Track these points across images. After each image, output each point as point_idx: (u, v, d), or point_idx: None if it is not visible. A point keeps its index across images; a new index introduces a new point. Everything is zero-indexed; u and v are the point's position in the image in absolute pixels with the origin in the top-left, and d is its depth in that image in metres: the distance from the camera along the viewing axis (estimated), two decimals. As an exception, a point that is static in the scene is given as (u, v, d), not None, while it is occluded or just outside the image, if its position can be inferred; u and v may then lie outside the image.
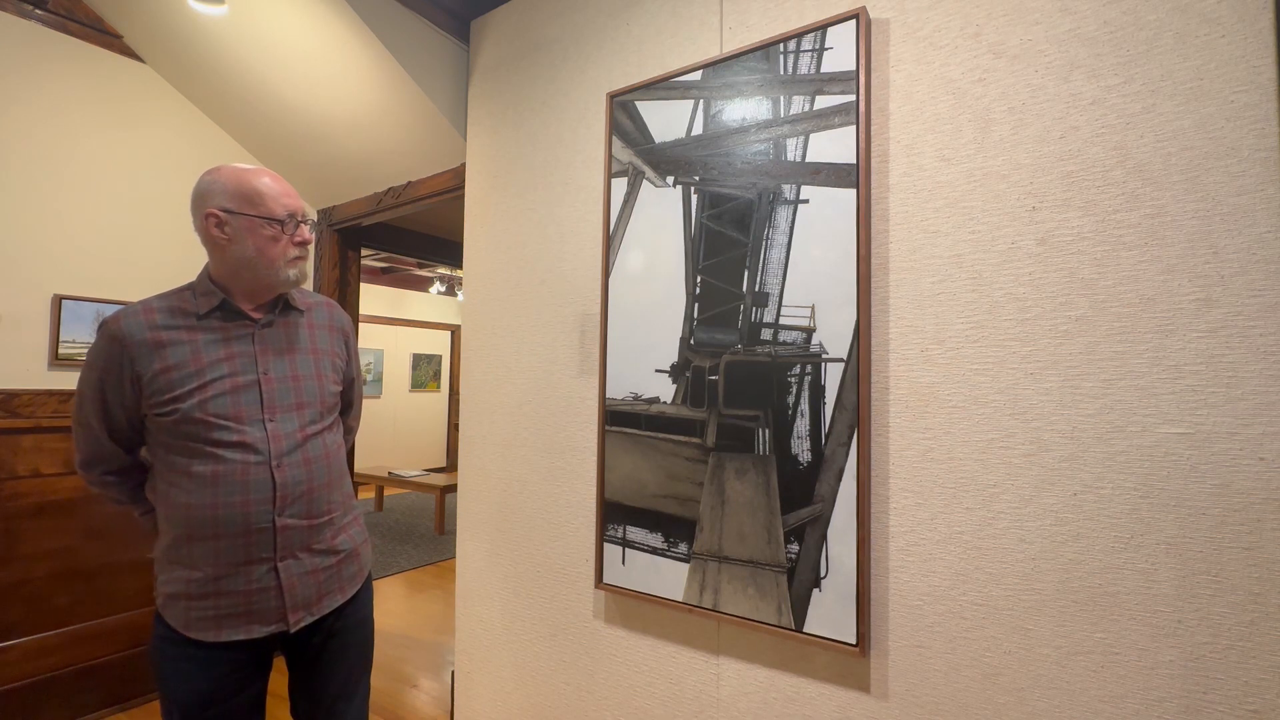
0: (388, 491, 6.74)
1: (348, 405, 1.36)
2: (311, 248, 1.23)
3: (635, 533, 1.42)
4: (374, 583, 3.75)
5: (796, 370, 1.20)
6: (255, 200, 1.10)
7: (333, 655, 1.19)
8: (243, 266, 1.11)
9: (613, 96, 1.53)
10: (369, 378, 7.40)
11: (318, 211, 2.75)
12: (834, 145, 1.18)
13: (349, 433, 1.40)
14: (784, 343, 1.22)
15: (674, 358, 1.38)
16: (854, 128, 1.16)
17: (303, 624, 1.12)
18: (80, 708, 2.08)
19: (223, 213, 1.08)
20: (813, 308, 1.19)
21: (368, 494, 6.70)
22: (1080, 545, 0.96)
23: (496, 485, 1.80)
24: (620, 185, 1.50)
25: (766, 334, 1.25)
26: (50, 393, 2.05)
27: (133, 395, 1.07)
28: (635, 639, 1.47)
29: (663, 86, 1.44)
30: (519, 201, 1.79)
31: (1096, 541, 0.94)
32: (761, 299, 1.26)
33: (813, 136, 1.21)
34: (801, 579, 1.18)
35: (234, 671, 1.09)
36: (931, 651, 1.07)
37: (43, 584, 2.02)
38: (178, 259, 2.36)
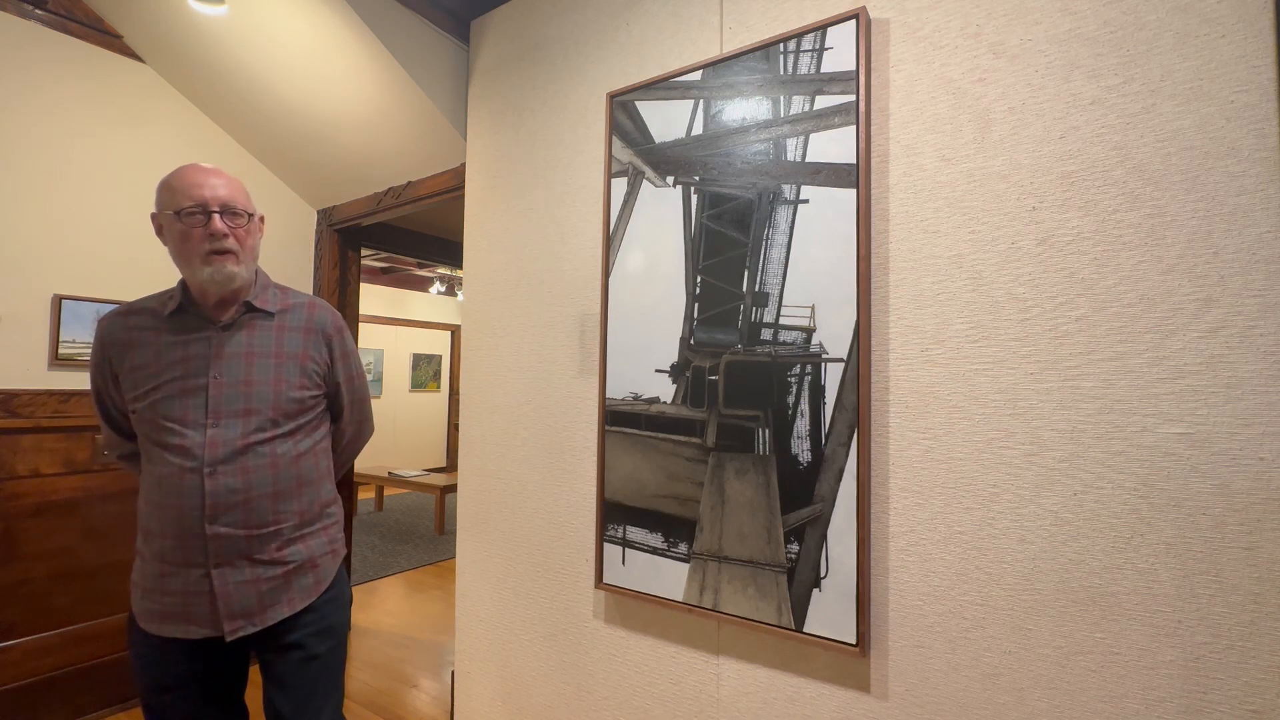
0: (388, 491, 6.74)
1: (338, 411, 1.30)
2: (243, 240, 1.11)
3: (635, 533, 1.42)
4: (373, 583, 3.75)
5: (796, 370, 1.20)
6: (167, 195, 1.08)
7: (293, 668, 1.14)
8: (181, 269, 1.11)
9: (613, 96, 1.53)
10: (369, 377, 7.40)
11: (318, 212, 2.75)
12: (834, 145, 1.18)
13: (344, 439, 1.34)
14: (784, 343, 1.22)
15: (674, 358, 1.38)
16: (854, 128, 1.16)
17: (242, 633, 1.08)
18: (80, 708, 2.08)
19: (156, 215, 1.12)
20: (813, 308, 1.19)
21: (368, 494, 6.71)
22: (1080, 545, 0.96)
23: (496, 485, 1.80)
24: (620, 185, 1.50)
25: (766, 334, 1.25)
26: (50, 393, 2.05)
27: (116, 390, 1.15)
28: (635, 639, 1.47)
29: (663, 86, 1.44)
30: (519, 201, 1.79)
31: (1096, 541, 0.94)
32: (761, 299, 1.26)
33: (813, 136, 1.21)
34: (801, 579, 1.18)
35: (186, 664, 1.09)
36: (931, 651, 1.07)
37: (43, 584, 2.02)
38: (178, 259, 2.35)
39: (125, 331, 1.13)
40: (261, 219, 1.20)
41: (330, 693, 1.19)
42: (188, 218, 1.07)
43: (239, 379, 1.11)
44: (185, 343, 1.11)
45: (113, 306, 2.17)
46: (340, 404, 1.29)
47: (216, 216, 1.08)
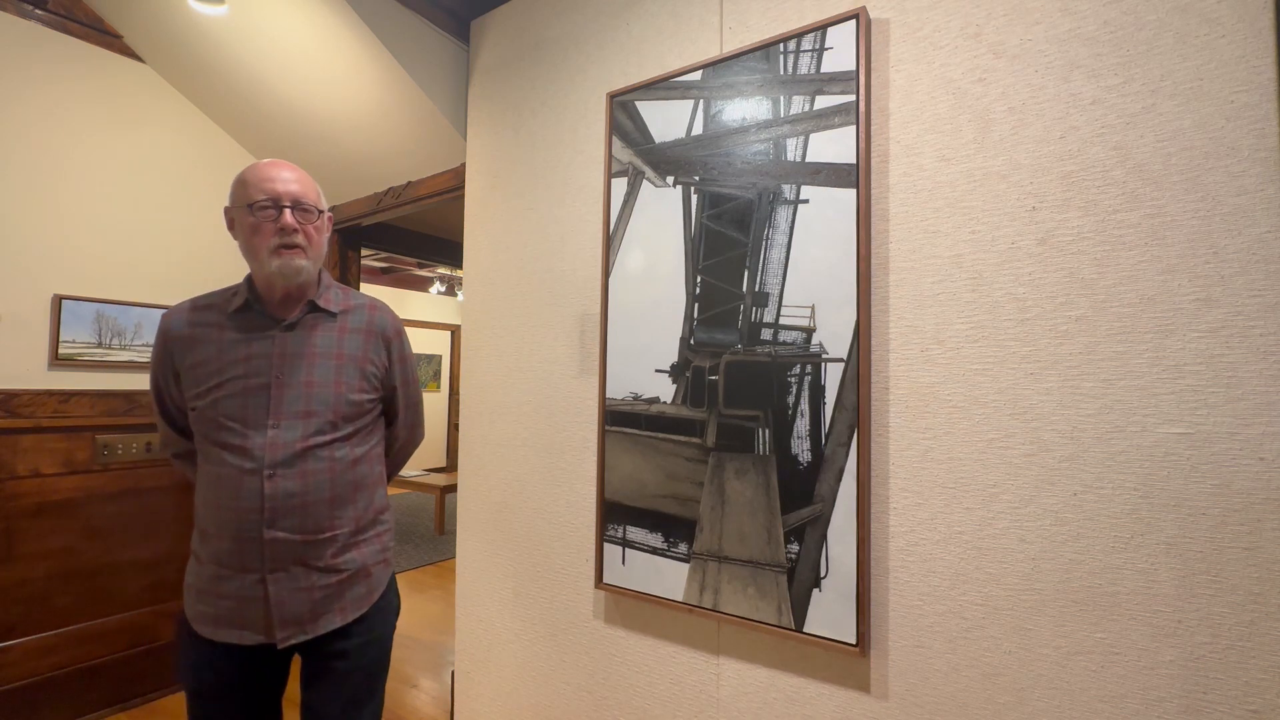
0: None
1: (392, 415, 1.28)
2: (311, 237, 1.12)
3: (635, 533, 1.42)
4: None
5: (796, 370, 1.20)
6: (240, 190, 1.09)
7: (338, 677, 1.12)
8: (249, 263, 1.11)
9: (613, 96, 1.53)
10: (369, 378, 7.39)
11: (318, 211, 2.75)
12: (834, 145, 1.18)
13: (396, 444, 1.33)
14: (784, 343, 1.22)
15: (674, 358, 1.38)
16: (854, 128, 1.16)
17: (293, 641, 1.06)
18: (80, 708, 2.08)
19: (228, 209, 1.11)
20: (813, 308, 1.19)
21: (368, 494, 6.69)
22: (1080, 545, 0.96)
23: (496, 485, 1.80)
24: (620, 185, 1.50)
25: (766, 334, 1.25)
26: (50, 393, 2.05)
27: (176, 387, 1.13)
28: (635, 639, 1.47)
29: (663, 86, 1.44)
30: (519, 201, 1.79)
31: (1096, 541, 0.94)
32: (761, 299, 1.26)
33: (813, 136, 1.21)
34: (801, 579, 1.18)
35: (236, 670, 1.07)
36: (931, 651, 1.07)
37: (43, 584, 2.02)
38: (178, 259, 2.36)
39: (189, 327, 1.11)
40: (330, 218, 1.20)
41: (369, 701, 1.17)
42: (259, 211, 1.07)
43: (300, 380, 1.09)
44: (249, 341, 1.09)
45: (114, 307, 2.18)
46: (396, 408, 1.28)
47: (287, 211, 1.07)
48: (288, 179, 1.09)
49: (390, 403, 1.26)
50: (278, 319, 1.11)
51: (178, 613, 1.13)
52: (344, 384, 1.13)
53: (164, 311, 1.14)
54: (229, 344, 1.09)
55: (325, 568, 1.09)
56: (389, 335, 1.23)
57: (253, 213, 1.07)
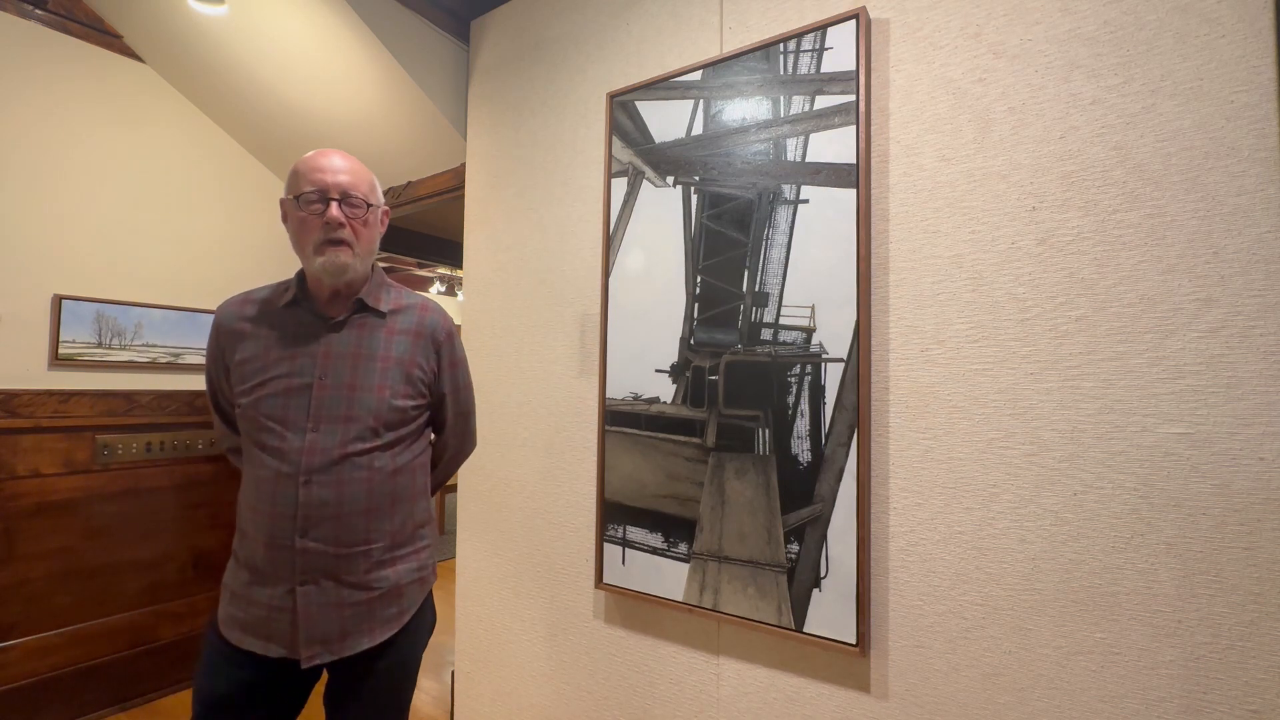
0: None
1: (440, 423, 1.22)
2: (360, 232, 1.06)
3: (635, 533, 1.42)
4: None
5: (796, 370, 1.20)
6: (291, 180, 1.04)
7: (365, 698, 1.07)
8: (298, 256, 1.07)
9: (613, 96, 1.53)
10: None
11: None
12: (834, 145, 1.18)
13: (446, 454, 1.26)
14: (784, 343, 1.22)
15: (674, 358, 1.38)
16: (854, 128, 1.16)
17: (318, 661, 1.00)
18: (80, 708, 2.08)
19: (283, 201, 1.08)
20: (813, 308, 1.19)
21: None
22: (1080, 545, 0.96)
23: (496, 485, 1.80)
24: (620, 185, 1.50)
25: (766, 334, 1.25)
26: (50, 393, 2.05)
27: (226, 381, 1.10)
28: (635, 639, 1.47)
29: (663, 86, 1.44)
30: (519, 201, 1.79)
31: (1096, 541, 0.94)
32: (761, 299, 1.26)
33: (813, 136, 1.21)
34: (801, 579, 1.18)
35: (255, 681, 1.02)
36: (931, 651, 1.07)
37: (43, 584, 2.02)
38: (178, 259, 2.36)
39: (239, 321, 1.08)
40: (386, 213, 1.15)
41: (398, 716, 1.13)
42: (306, 204, 1.02)
43: (343, 382, 1.04)
44: (295, 338, 1.05)
45: (114, 307, 2.18)
46: (444, 416, 1.21)
47: (334, 204, 1.02)
48: (337, 168, 1.04)
49: (439, 410, 1.20)
50: (326, 317, 1.07)
51: (211, 611, 1.10)
52: (388, 388, 1.07)
53: (220, 303, 1.09)
54: (275, 341, 1.05)
55: (357, 583, 1.03)
56: (439, 338, 1.16)
57: (300, 205, 1.02)
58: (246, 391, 1.04)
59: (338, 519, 1.01)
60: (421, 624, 1.14)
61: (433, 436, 1.26)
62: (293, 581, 0.99)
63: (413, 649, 1.13)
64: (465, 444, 1.30)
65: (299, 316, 1.07)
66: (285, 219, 1.08)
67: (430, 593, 1.18)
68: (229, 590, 1.05)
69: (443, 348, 1.17)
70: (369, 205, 1.08)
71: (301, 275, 1.10)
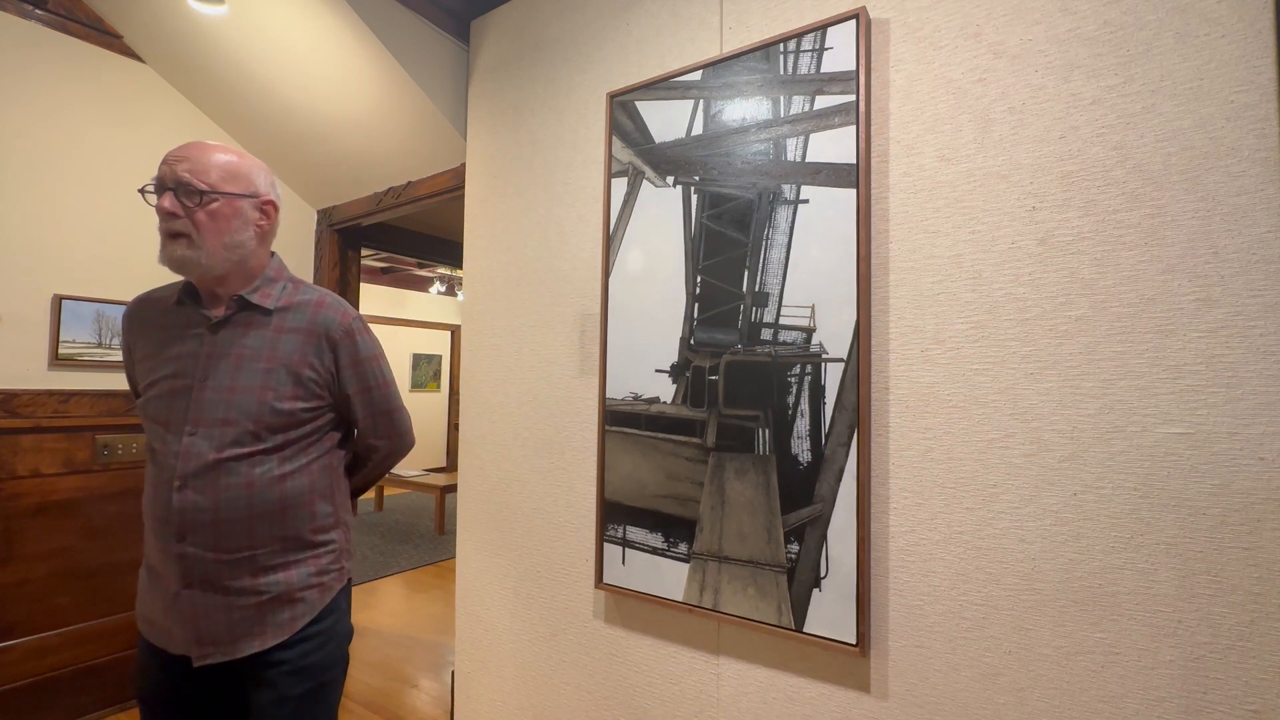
0: (388, 491, 6.74)
1: (353, 425, 1.16)
2: (201, 223, 0.98)
3: (635, 533, 1.42)
4: (373, 583, 3.75)
5: (796, 370, 1.20)
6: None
7: (267, 709, 1.02)
8: None
9: (613, 96, 1.53)
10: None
11: (317, 212, 2.75)
12: (834, 145, 1.18)
13: (376, 456, 1.20)
14: (784, 343, 1.22)
15: (674, 358, 1.38)
16: (854, 128, 1.16)
17: (211, 660, 0.99)
18: (80, 708, 2.08)
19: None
20: (813, 308, 1.19)
21: (368, 494, 6.71)
22: (1080, 545, 0.96)
23: (496, 485, 1.80)
24: (620, 185, 1.50)
25: (766, 334, 1.25)
26: (50, 393, 2.05)
27: (135, 377, 1.10)
28: (635, 639, 1.47)
29: (663, 86, 1.44)
30: (519, 201, 1.79)
31: (1096, 541, 0.94)
32: (761, 299, 1.26)
33: (813, 136, 1.21)
34: (801, 579, 1.18)
35: (169, 679, 1.03)
36: (931, 651, 1.07)
37: (43, 584, 2.02)
38: (178, 259, 2.35)
39: (139, 321, 1.08)
40: (268, 203, 1.06)
41: None
42: (150, 195, 0.99)
43: (223, 384, 1.00)
44: (181, 338, 1.03)
45: (114, 307, 2.18)
46: (354, 416, 1.14)
47: (167, 194, 0.97)
48: (178, 157, 0.98)
49: (346, 411, 1.13)
50: (209, 316, 1.04)
51: (128, 611, 1.13)
52: (271, 390, 1.01)
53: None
54: (165, 341, 1.04)
55: (242, 589, 0.99)
56: (335, 336, 1.08)
57: (145, 196, 0.99)
58: (141, 392, 1.05)
59: (215, 525, 0.97)
60: (329, 631, 1.07)
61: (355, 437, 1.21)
62: (179, 584, 0.98)
63: (320, 654, 1.05)
64: (396, 444, 1.22)
65: (187, 316, 1.05)
66: None
67: (342, 599, 1.12)
68: (140, 588, 1.06)
69: (340, 346, 1.08)
70: (207, 193, 0.98)
71: None
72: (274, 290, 1.07)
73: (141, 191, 1.00)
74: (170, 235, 0.97)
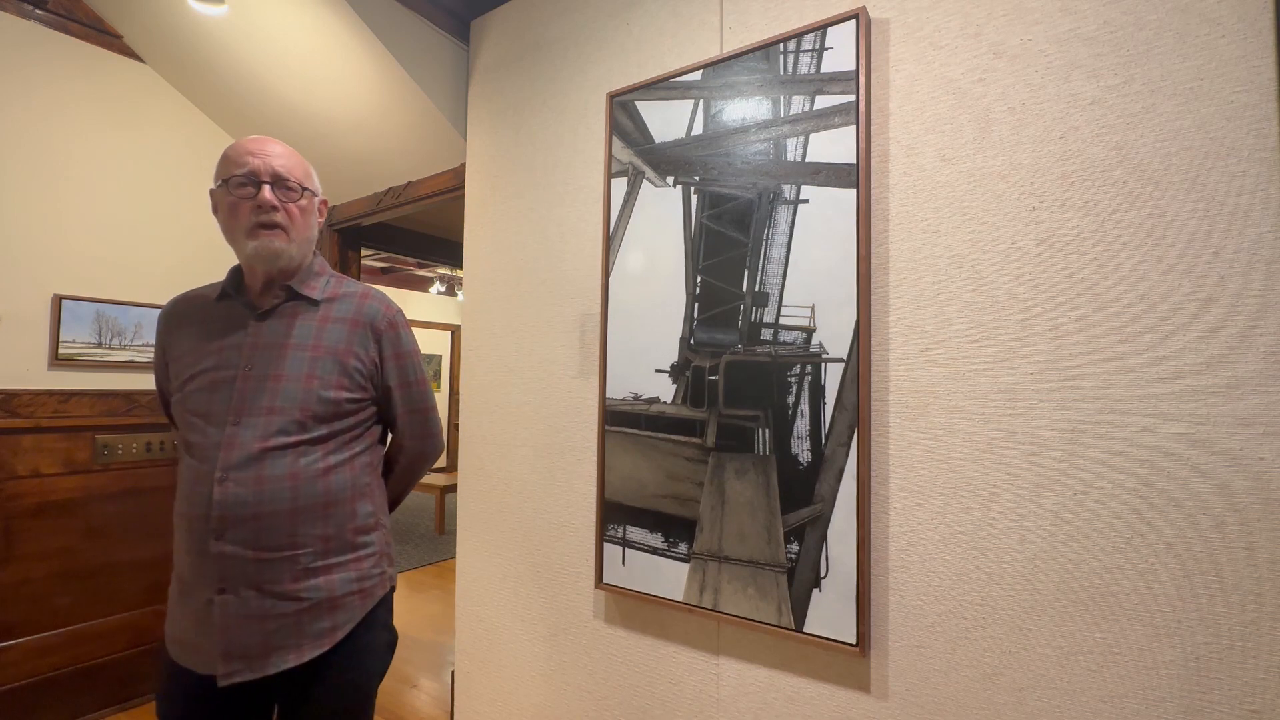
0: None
1: (392, 421, 1.14)
2: (294, 216, 1.02)
3: (635, 533, 1.42)
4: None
5: (796, 370, 1.20)
6: (221, 166, 1.01)
7: None
8: (230, 245, 1.04)
9: (613, 96, 1.53)
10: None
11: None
12: (834, 145, 1.18)
13: (404, 457, 1.17)
14: (784, 343, 1.22)
15: (674, 358, 1.38)
16: (854, 128, 1.16)
17: (238, 678, 0.91)
18: (80, 708, 2.08)
19: (212, 191, 1.04)
20: (813, 308, 1.19)
21: (368, 494, 6.69)
22: (1080, 545, 0.96)
23: (496, 485, 1.80)
24: (620, 185, 1.50)
25: (766, 334, 1.25)
26: (50, 393, 2.05)
27: (168, 381, 1.08)
28: (635, 639, 1.47)
29: (663, 86, 1.44)
30: (519, 201, 1.79)
31: (1096, 541, 0.94)
32: (761, 299, 1.26)
33: (813, 136, 1.21)
34: (801, 579, 1.18)
35: (195, 702, 0.96)
36: (931, 651, 1.07)
37: (43, 584, 2.02)
38: (178, 259, 2.36)
39: (177, 319, 1.07)
40: (324, 203, 1.12)
41: None
42: (237, 188, 0.99)
43: (269, 373, 0.98)
44: (225, 331, 1.01)
45: (114, 307, 2.18)
46: (393, 413, 1.13)
47: (266, 187, 0.98)
48: (269, 153, 1.00)
49: (387, 406, 1.12)
50: (255, 308, 1.03)
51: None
52: (318, 379, 0.99)
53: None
54: (206, 335, 1.02)
55: (282, 593, 0.94)
56: (380, 326, 1.09)
57: (230, 190, 0.98)
58: (179, 387, 1.02)
59: (257, 520, 0.93)
60: (370, 643, 1.03)
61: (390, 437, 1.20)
62: (213, 590, 0.92)
63: (359, 670, 1.01)
64: (427, 445, 1.19)
65: (229, 309, 1.04)
66: (215, 209, 1.04)
67: (383, 610, 1.08)
68: (169, 604, 1.00)
69: (384, 336, 1.09)
70: (304, 190, 1.04)
71: (234, 269, 1.08)
72: (319, 283, 1.09)
73: (225, 182, 1.00)
74: (267, 227, 0.99)
